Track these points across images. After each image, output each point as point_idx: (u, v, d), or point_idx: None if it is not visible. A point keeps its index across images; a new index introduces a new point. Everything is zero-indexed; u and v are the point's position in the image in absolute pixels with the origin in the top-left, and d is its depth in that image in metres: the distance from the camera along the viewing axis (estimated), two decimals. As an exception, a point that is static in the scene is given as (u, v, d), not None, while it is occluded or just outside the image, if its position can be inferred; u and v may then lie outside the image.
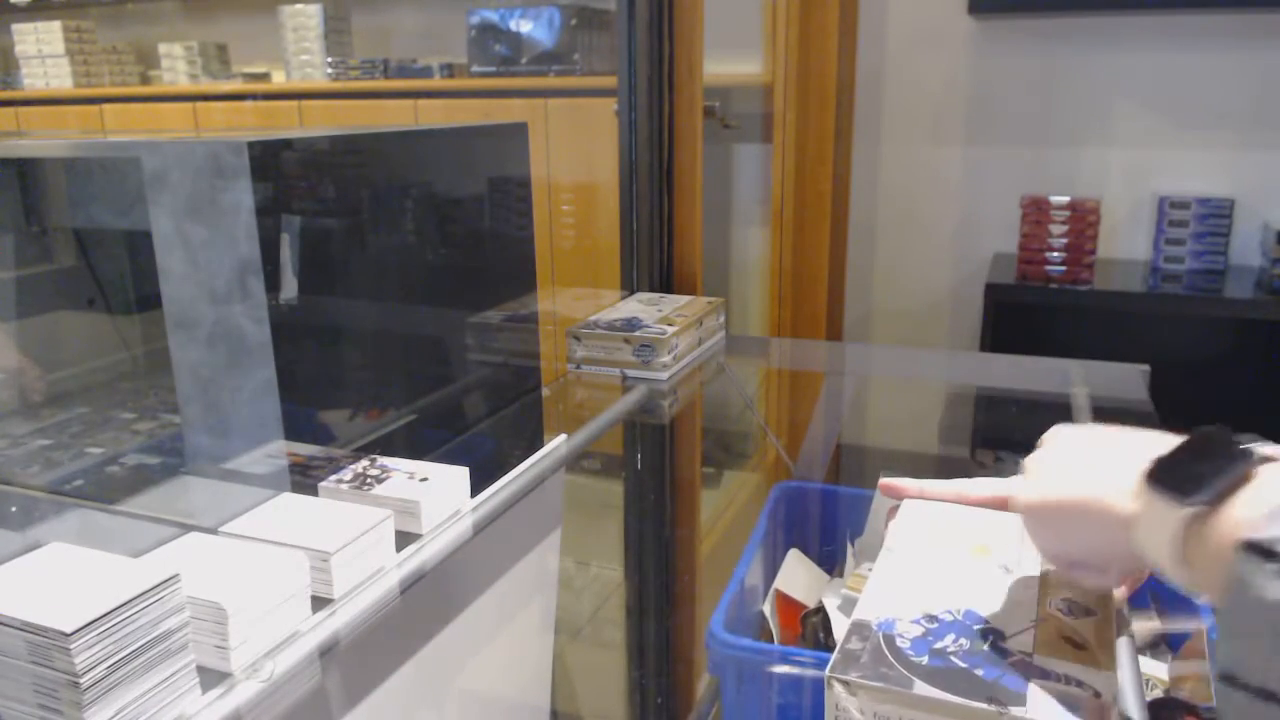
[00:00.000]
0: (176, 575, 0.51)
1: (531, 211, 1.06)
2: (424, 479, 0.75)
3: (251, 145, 0.67)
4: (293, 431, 0.73)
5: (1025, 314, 2.33)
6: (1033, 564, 0.63)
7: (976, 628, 0.57)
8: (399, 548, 0.70)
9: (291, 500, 0.71)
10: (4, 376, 0.95)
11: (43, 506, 0.76)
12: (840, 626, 0.97)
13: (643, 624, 1.48)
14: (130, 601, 0.49)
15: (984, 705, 0.50)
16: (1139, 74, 2.37)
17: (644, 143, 1.49)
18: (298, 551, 0.62)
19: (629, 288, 1.54)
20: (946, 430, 1.72)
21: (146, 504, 0.74)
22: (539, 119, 2.60)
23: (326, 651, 0.60)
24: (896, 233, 2.70)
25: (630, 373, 1.23)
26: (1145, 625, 1.01)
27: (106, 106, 3.48)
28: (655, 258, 1.53)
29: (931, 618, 0.58)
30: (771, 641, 1.02)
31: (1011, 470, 0.65)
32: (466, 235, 0.96)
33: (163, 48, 3.53)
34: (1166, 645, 1.00)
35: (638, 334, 1.23)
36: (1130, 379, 1.27)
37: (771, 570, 1.10)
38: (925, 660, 0.54)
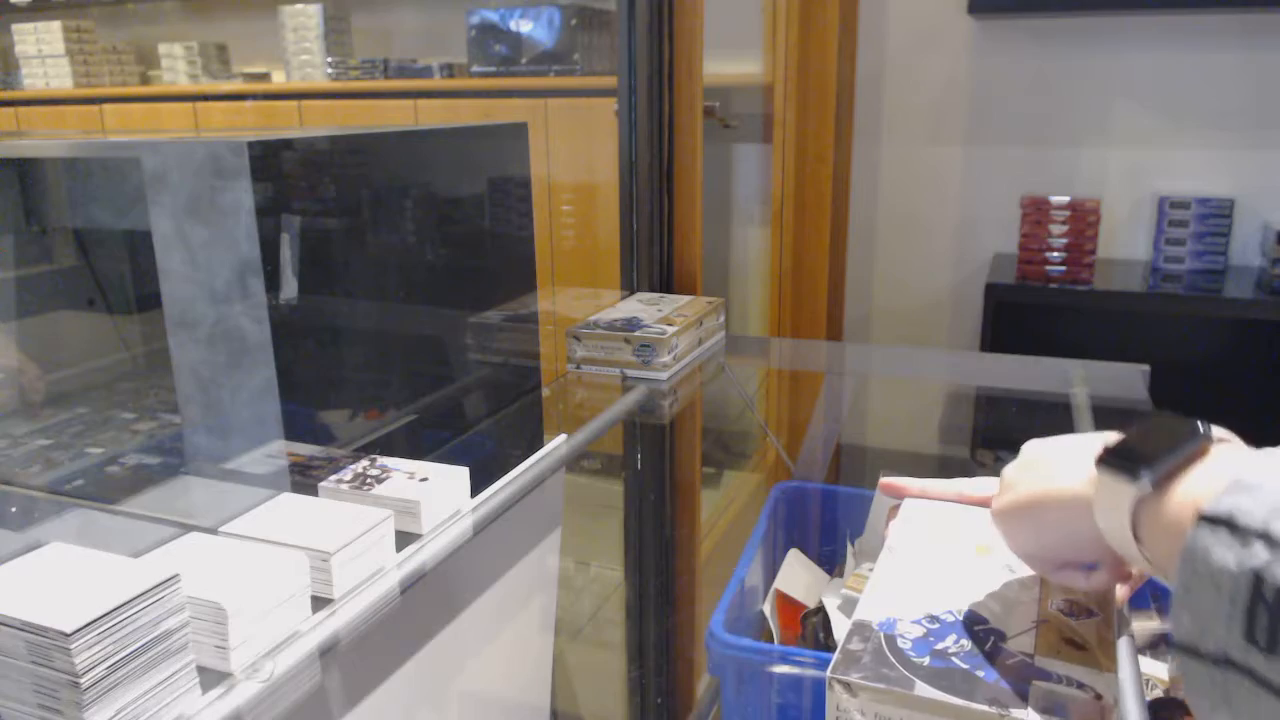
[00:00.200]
0: (176, 575, 0.51)
1: (531, 211, 1.06)
2: (424, 479, 0.75)
3: (251, 145, 0.67)
4: (293, 431, 0.73)
5: (1025, 314, 2.33)
6: None
7: (978, 629, 0.57)
8: (399, 548, 0.70)
9: (291, 500, 0.71)
10: (4, 376, 0.95)
11: (43, 506, 0.76)
12: (840, 627, 0.97)
13: (643, 624, 1.48)
14: (130, 601, 0.49)
15: (985, 707, 0.50)
16: (1139, 74, 2.37)
17: (644, 143, 1.48)
18: (298, 551, 0.62)
19: (629, 287, 1.54)
20: (946, 430, 1.72)
21: (146, 504, 0.74)
22: (539, 119, 2.60)
23: (326, 651, 0.60)
24: (896, 232, 2.70)
25: (630, 373, 1.23)
26: (1145, 625, 1.01)
27: (106, 106, 3.48)
28: (655, 257, 1.52)
29: (933, 618, 0.58)
30: (772, 641, 1.02)
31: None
32: (466, 235, 0.96)
33: (163, 48, 3.53)
34: (1166, 645, 1.00)
35: (638, 334, 1.23)
36: (1130, 379, 1.27)
37: (771, 570, 1.10)
38: (926, 661, 0.54)
